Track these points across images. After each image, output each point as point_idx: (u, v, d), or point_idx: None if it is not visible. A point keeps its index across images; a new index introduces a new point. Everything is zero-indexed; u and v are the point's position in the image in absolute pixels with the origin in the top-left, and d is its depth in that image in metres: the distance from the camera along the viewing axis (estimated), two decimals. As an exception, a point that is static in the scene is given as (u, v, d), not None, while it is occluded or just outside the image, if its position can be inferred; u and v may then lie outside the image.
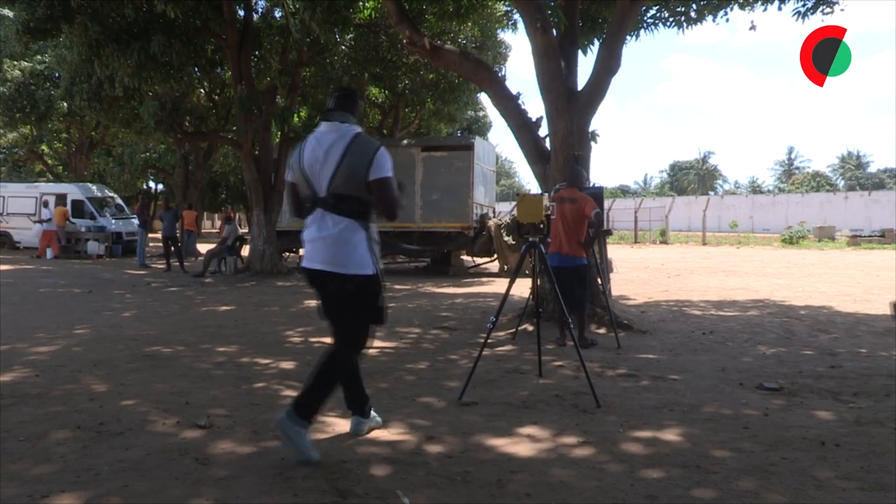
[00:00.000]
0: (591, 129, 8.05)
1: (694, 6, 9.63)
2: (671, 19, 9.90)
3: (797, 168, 78.26)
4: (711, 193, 66.52)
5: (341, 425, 3.81)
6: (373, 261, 3.22)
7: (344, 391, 3.58)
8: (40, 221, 20.22)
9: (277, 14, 14.46)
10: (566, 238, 6.18)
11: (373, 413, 3.73)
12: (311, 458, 3.16)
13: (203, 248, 19.58)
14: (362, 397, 3.63)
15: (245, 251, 15.34)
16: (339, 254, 3.19)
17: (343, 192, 3.19)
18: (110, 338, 6.68)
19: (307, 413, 3.20)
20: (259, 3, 15.07)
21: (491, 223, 14.95)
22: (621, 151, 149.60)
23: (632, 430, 3.74)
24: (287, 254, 17.65)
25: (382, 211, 3.26)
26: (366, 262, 3.20)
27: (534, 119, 8.24)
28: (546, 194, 5.69)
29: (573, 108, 7.74)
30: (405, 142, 16.80)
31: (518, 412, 4.12)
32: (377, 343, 6.59)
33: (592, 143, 8.15)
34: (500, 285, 12.04)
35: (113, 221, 21.47)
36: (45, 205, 20.87)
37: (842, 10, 8.48)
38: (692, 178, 79.92)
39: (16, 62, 22.93)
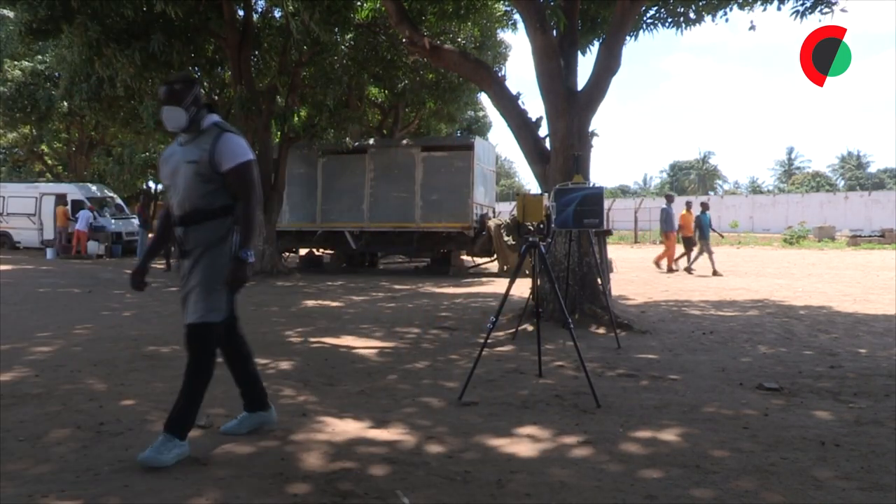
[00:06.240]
0: (590, 129, 8.05)
1: (693, 6, 9.63)
2: (671, 19, 9.91)
3: (797, 168, 78.20)
4: (711, 193, 66.45)
5: (340, 425, 3.82)
6: None
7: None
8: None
9: (277, 14, 14.45)
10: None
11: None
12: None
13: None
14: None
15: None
16: None
17: None
18: (110, 338, 6.67)
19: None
20: (259, 3, 15.09)
21: (491, 223, 14.95)
22: (621, 151, 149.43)
23: (632, 430, 3.74)
24: (287, 254, 17.66)
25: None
26: None
27: (534, 119, 8.24)
28: (546, 194, 5.68)
29: (573, 108, 7.73)
30: (405, 142, 16.81)
31: (518, 412, 4.12)
32: (377, 343, 6.60)
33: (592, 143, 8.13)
34: (500, 285, 12.03)
35: (113, 221, 21.47)
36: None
37: (843, 10, 8.35)
38: (692, 179, 79.85)
39: (16, 62, 22.92)
